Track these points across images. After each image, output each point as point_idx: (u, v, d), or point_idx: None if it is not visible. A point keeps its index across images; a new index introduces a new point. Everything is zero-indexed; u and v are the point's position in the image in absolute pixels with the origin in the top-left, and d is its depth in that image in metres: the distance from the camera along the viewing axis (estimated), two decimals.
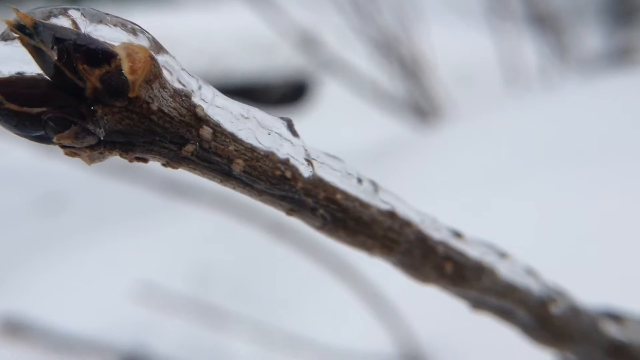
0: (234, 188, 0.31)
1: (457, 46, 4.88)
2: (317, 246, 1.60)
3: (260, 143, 0.30)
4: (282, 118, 0.32)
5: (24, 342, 1.54)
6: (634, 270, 1.54)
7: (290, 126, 0.32)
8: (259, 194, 0.32)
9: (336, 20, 3.67)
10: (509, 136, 2.35)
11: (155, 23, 5.08)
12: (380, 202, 0.37)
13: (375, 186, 0.36)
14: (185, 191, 1.76)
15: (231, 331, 1.79)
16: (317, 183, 0.33)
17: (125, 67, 0.25)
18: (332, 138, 3.94)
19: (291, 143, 0.32)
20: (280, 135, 0.31)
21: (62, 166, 2.29)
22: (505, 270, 0.40)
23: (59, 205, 3.25)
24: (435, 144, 2.64)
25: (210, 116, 0.28)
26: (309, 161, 0.32)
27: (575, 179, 1.91)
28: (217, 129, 0.29)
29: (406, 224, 0.37)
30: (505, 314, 0.41)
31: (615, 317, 0.45)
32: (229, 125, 0.29)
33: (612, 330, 0.44)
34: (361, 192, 0.35)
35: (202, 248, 2.35)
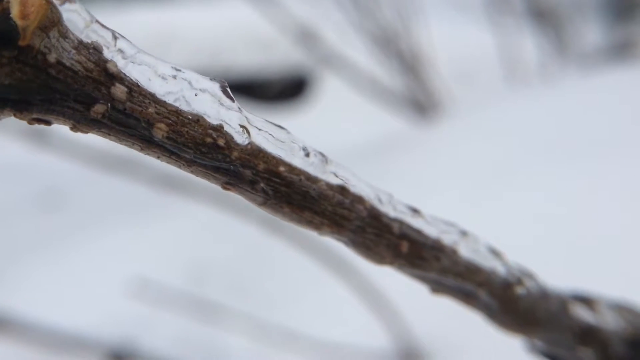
0: (158, 157, 0.28)
1: (457, 41, 4.85)
2: (313, 241, 1.58)
3: (187, 106, 0.27)
4: (215, 80, 0.29)
5: (10, 338, 1.51)
6: (634, 264, 1.53)
7: (225, 89, 0.29)
8: (188, 164, 0.28)
9: (335, 16, 3.65)
10: (508, 131, 2.33)
11: (155, 19, 5.07)
12: (329, 175, 0.34)
13: (324, 158, 0.33)
14: (181, 186, 1.74)
15: (227, 326, 1.77)
16: (257, 153, 0.30)
17: (15, 11, 0.22)
18: (331, 134, 3.92)
19: (225, 107, 0.29)
20: (212, 98, 0.28)
21: (62, 162, 2.28)
22: (466, 250, 0.38)
23: (58, 201, 3.24)
24: (434, 139, 2.62)
25: (126, 73, 0.25)
26: (245, 128, 0.29)
27: (575, 173, 1.90)
28: (134, 88, 0.26)
29: (358, 199, 0.34)
30: (467, 297, 0.39)
31: (586, 300, 0.42)
32: (148, 84, 0.26)
33: (582, 313, 0.42)
34: (308, 165, 0.32)
35: (199, 243, 2.34)
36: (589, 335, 0.41)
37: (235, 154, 0.29)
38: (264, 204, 0.32)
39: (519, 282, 0.39)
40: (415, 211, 0.37)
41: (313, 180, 0.33)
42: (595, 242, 1.67)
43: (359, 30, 3.54)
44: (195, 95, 0.27)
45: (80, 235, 2.63)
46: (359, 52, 3.74)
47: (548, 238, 1.69)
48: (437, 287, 0.39)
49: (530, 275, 0.40)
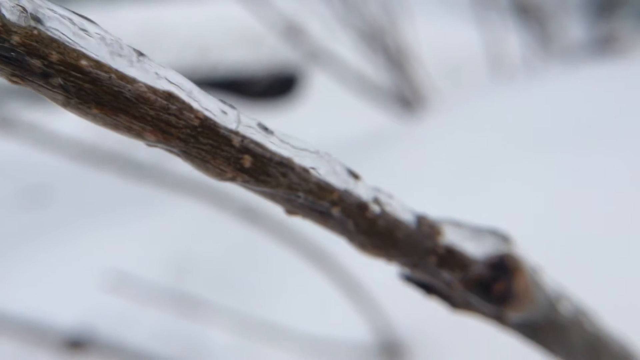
0: None
1: (443, 37, 4.84)
2: (293, 233, 1.54)
3: None
4: None
5: None
6: (618, 255, 1.53)
7: None
8: None
9: (322, 11, 3.62)
10: (492, 124, 2.32)
11: (144, 16, 5.04)
12: (153, 77, 0.30)
13: (146, 59, 0.29)
14: (164, 179, 1.69)
15: (210, 321, 1.73)
16: (48, 42, 0.26)
17: None
18: (320, 130, 3.89)
19: None
20: None
21: (48, 158, 2.26)
22: (319, 169, 0.35)
23: (44, 198, 3.22)
24: (419, 134, 2.61)
25: None
26: (23, 8, 0.25)
27: (558, 165, 1.89)
28: None
29: (188, 108, 0.31)
30: (322, 216, 0.36)
31: (452, 225, 0.40)
32: None
33: (448, 237, 0.39)
34: (122, 63, 0.28)
35: (182, 237, 2.31)
36: (450, 258, 0.39)
37: (16, 38, 0.25)
38: (67, 104, 0.28)
39: (376, 201, 0.36)
40: (265, 129, 0.34)
41: (128, 80, 0.28)
42: (578, 233, 1.63)
43: (346, 25, 3.52)
44: None
45: (66, 232, 2.61)
46: (346, 48, 3.72)
47: (532, 228, 1.67)
48: (291, 208, 0.35)
49: (389, 196, 0.37)
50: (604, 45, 4.33)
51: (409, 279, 0.41)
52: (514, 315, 0.40)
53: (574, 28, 4.55)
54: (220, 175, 0.33)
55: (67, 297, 2.09)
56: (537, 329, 0.44)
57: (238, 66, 4.94)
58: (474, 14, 3.71)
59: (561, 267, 1.54)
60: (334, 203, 0.34)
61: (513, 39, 3.71)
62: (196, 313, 1.75)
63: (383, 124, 3.30)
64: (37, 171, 3.29)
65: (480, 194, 1.88)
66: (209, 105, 0.32)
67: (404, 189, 2.11)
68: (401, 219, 0.37)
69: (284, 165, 0.33)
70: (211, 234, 2.24)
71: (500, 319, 0.42)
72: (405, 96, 3.56)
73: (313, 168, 0.34)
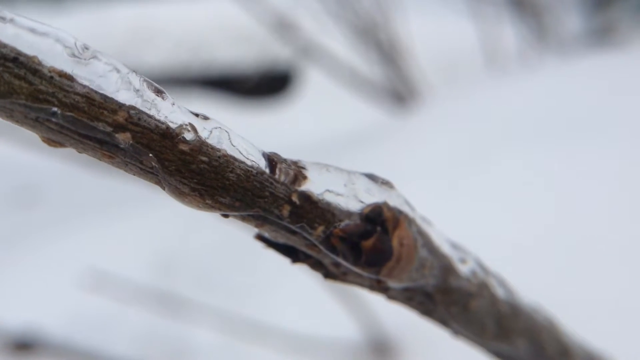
0: None
1: (438, 32, 4.78)
2: None
3: None
4: None
5: None
6: (610, 245, 1.48)
7: None
8: None
9: (314, 6, 3.55)
10: (486, 117, 2.28)
11: (136, 15, 4.96)
12: None
13: None
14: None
15: (196, 320, 1.65)
16: None
17: None
18: (315, 126, 3.84)
19: None
20: None
21: (37, 158, 2.22)
22: (97, 76, 0.21)
23: (32, 198, 3.19)
24: (411, 128, 2.57)
25: None
26: None
27: (553, 157, 1.84)
28: None
29: None
30: (102, 148, 0.23)
31: (322, 167, 0.28)
32: None
33: (311, 184, 0.27)
34: None
35: (170, 237, 2.26)
36: (309, 209, 0.26)
37: None
38: None
39: (191, 128, 0.23)
40: (32, 30, 0.20)
41: None
42: (570, 226, 1.58)
43: (338, 20, 3.44)
44: None
45: (52, 231, 2.56)
46: (338, 43, 3.66)
47: (523, 223, 1.62)
48: (46, 133, 0.22)
49: (218, 123, 0.24)
50: (601, 36, 4.24)
51: (266, 241, 0.29)
52: (394, 281, 0.28)
53: (571, 20, 4.46)
54: None
55: (52, 297, 2.03)
56: (430, 300, 0.33)
57: (231, 64, 4.85)
58: (468, 7, 3.63)
59: (560, 260, 1.45)
60: (119, 127, 0.22)
61: (508, 32, 3.62)
62: (182, 312, 1.67)
63: (376, 120, 3.23)
64: (25, 171, 3.23)
65: (474, 184, 1.83)
66: None
67: (397, 182, 2.02)
68: (235, 155, 0.25)
69: (21, 64, 0.20)
70: (197, 233, 2.18)
71: (380, 286, 0.31)
72: (399, 91, 3.46)
73: (78, 74, 0.20)
